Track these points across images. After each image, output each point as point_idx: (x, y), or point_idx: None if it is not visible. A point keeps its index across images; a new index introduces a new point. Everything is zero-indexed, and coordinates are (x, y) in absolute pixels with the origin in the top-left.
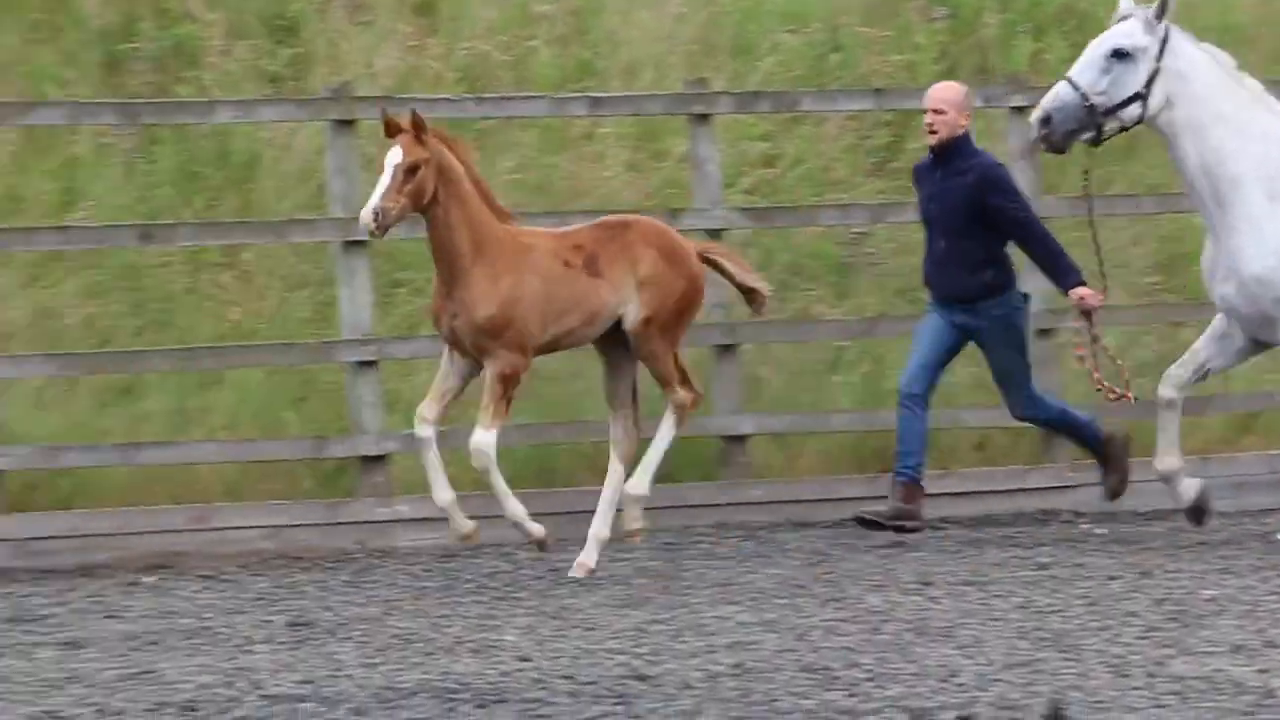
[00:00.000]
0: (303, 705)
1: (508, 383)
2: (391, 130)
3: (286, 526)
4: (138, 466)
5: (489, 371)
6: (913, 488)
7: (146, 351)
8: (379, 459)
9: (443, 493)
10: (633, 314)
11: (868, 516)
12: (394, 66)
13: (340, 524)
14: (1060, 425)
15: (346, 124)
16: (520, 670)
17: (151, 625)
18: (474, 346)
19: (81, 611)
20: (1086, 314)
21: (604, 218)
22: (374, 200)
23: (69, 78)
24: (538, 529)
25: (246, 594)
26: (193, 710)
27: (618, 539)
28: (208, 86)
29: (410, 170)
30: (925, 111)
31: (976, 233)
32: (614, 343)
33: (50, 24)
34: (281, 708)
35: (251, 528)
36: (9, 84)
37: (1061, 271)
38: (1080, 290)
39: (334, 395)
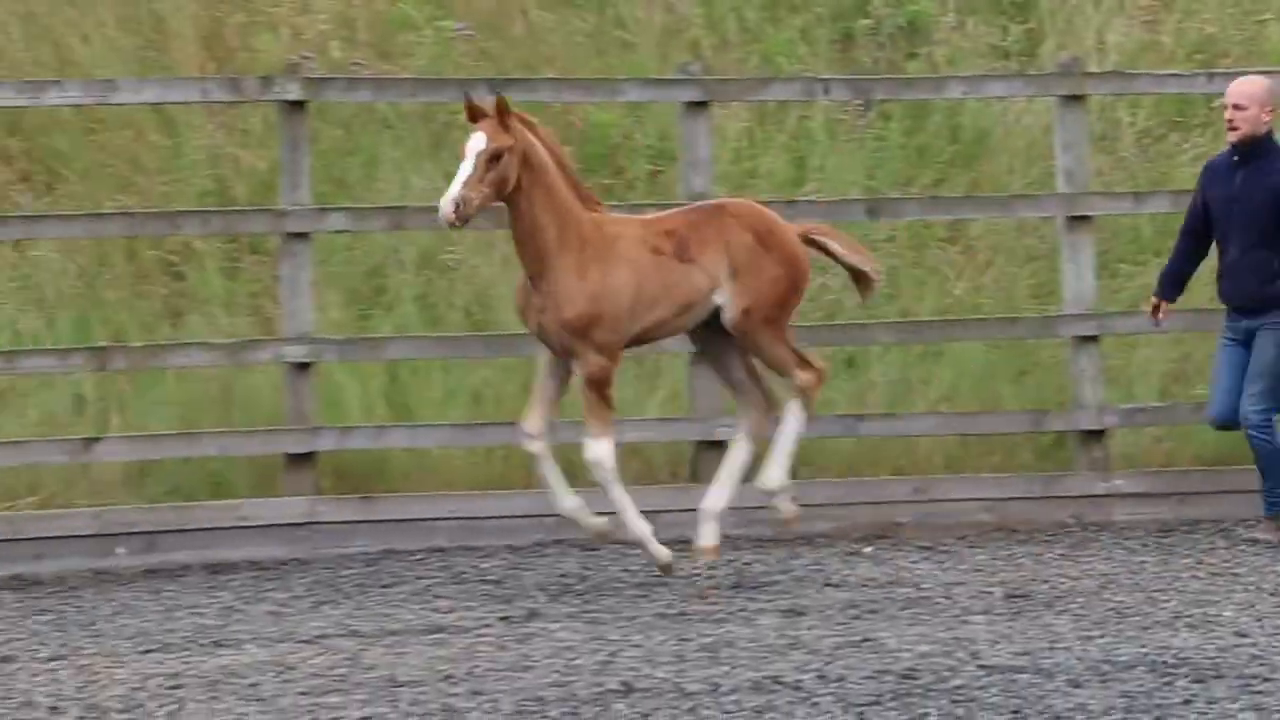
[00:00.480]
0: (1020, 676)
1: (600, 385)
2: (474, 115)
3: (1004, 499)
4: (860, 438)
5: (579, 377)
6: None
7: (871, 324)
8: (1098, 433)
9: (565, 500)
10: (730, 305)
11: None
12: (1124, 42)
13: (1057, 497)
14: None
15: (1075, 99)
16: (1238, 646)
17: (871, 594)
18: (560, 345)
19: (802, 579)
20: None
21: (698, 203)
22: (454, 190)
23: (802, 53)
24: (662, 552)
25: (964, 565)
26: (911, 678)
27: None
28: (938, 63)
29: (493, 158)
30: (1224, 108)
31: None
32: (711, 332)
33: (787, 1)
34: (998, 678)
35: (970, 500)
36: (745, 60)
37: None
38: None
39: (1054, 370)
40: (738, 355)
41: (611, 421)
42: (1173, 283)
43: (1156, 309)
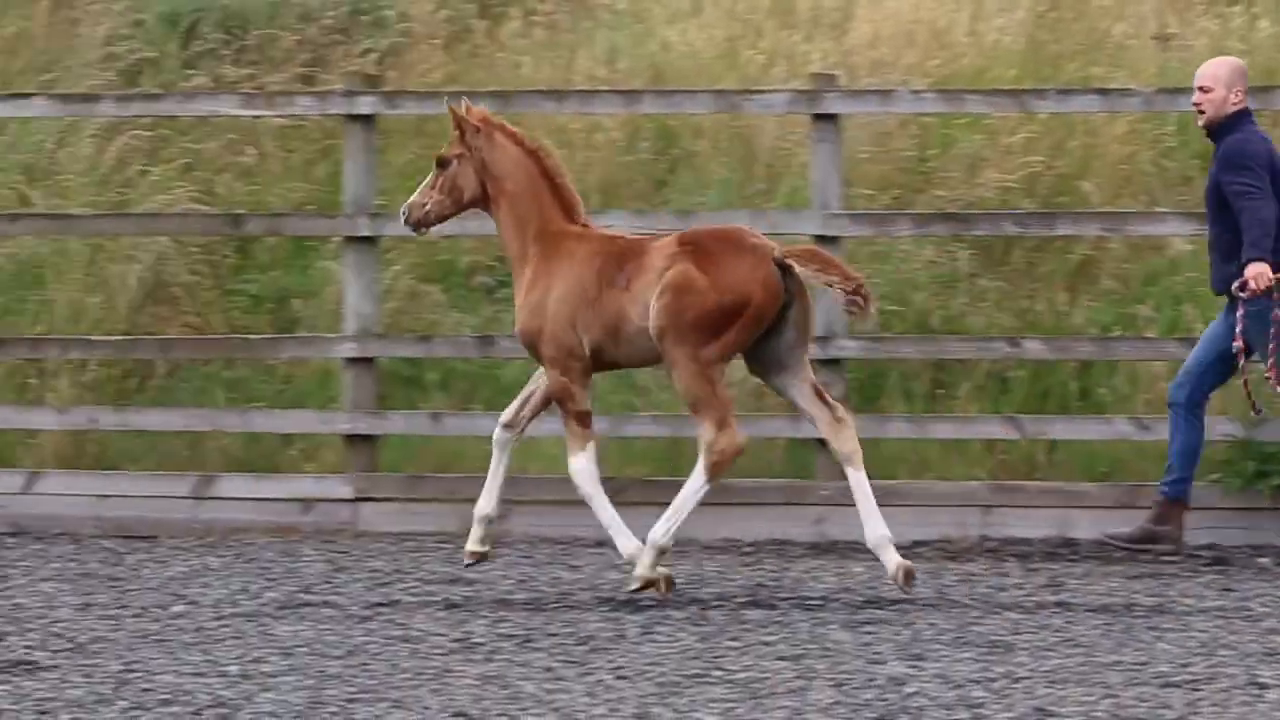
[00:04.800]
0: None
1: (563, 402)
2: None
3: None
4: None
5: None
6: (1167, 506)
7: None
8: None
9: (484, 504)
10: (652, 325)
11: (1108, 540)
12: None
13: None
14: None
15: None
16: None
17: None
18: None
19: None
20: (1264, 292)
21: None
22: (413, 196)
23: None
24: (655, 573)
25: None
26: None
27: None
28: None
29: (439, 164)
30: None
31: (1225, 218)
32: (761, 357)
33: None
34: None
35: None
36: None
37: (1248, 245)
38: (1254, 267)
39: None
40: (791, 376)
41: (586, 436)
42: None
43: None
